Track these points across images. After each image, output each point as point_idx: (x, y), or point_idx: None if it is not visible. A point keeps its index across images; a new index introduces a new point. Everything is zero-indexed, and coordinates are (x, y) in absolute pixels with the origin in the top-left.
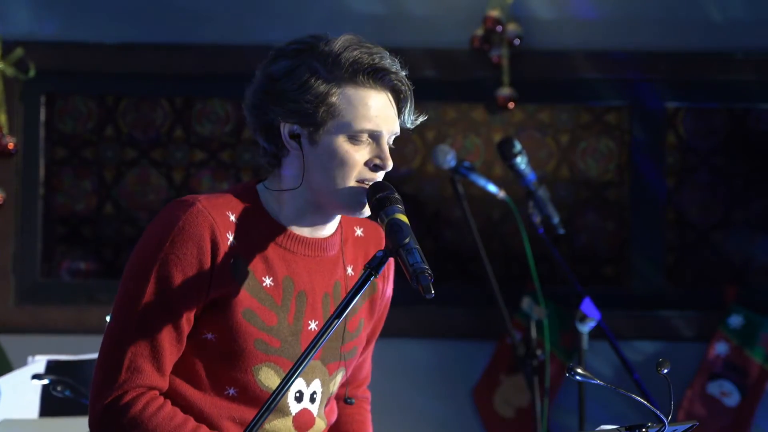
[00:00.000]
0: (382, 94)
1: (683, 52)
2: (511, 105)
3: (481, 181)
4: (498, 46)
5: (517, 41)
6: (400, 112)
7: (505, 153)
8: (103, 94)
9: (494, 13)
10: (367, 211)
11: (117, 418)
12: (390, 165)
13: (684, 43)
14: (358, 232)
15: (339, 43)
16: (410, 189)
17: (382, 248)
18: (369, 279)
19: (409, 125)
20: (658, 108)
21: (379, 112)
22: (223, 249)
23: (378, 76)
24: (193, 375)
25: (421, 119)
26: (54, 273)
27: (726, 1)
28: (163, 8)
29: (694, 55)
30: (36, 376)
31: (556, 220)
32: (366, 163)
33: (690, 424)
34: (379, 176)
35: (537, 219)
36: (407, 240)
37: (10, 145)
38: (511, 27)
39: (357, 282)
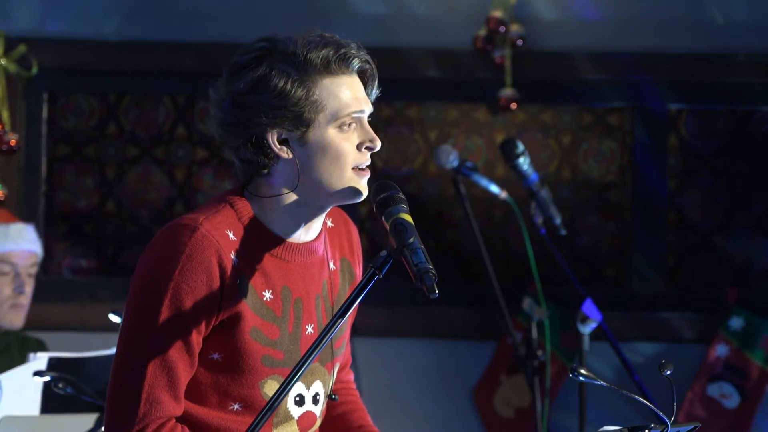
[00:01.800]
0: (353, 77)
1: (686, 53)
2: (513, 106)
3: (484, 182)
4: (501, 47)
5: (519, 42)
6: (367, 89)
7: (508, 153)
8: (106, 92)
9: (497, 13)
10: (365, 193)
11: None
12: (379, 143)
13: (686, 44)
14: (329, 223)
15: (300, 41)
16: (412, 189)
17: (351, 232)
18: (374, 278)
19: (372, 99)
20: (661, 109)
21: (357, 93)
22: (228, 270)
23: (348, 62)
24: (199, 394)
25: (378, 93)
26: (55, 270)
27: (728, 3)
28: (166, 6)
29: (697, 56)
30: (37, 373)
31: (558, 221)
32: (357, 148)
33: (692, 426)
34: (369, 159)
35: (539, 220)
36: (412, 239)
37: (13, 142)
38: (514, 28)
39: (361, 282)
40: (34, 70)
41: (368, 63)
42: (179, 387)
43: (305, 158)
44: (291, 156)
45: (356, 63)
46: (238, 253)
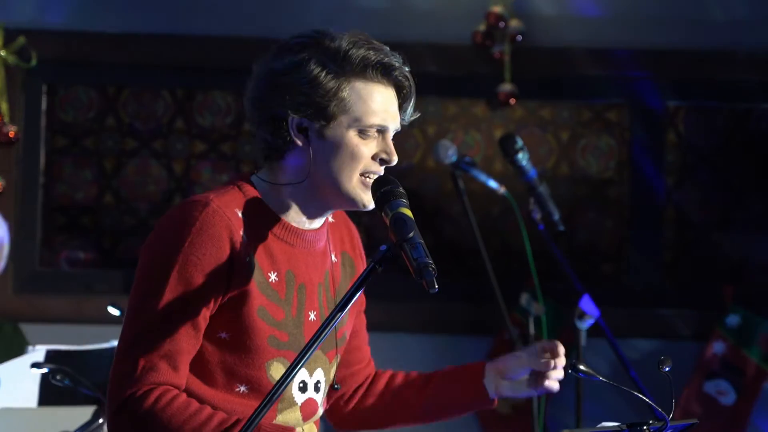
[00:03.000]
0: (389, 89)
1: (685, 50)
2: (512, 101)
3: (482, 177)
4: (500, 42)
5: (519, 37)
6: (401, 107)
7: (507, 149)
8: (105, 84)
9: (497, 9)
10: (371, 205)
11: (132, 413)
12: (395, 159)
13: (685, 41)
14: (330, 218)
15: (347, 38)
16: (411, 184)
17: (351, 230)
18: (373, 272)
19: (406, 121)
20: (659, 106)
21: (387, 106)
22: (238, 248)
23: (386, 72)
24: (206, 373)
25: (416, 116)
26: (53, 262)
27: (728, 0)
28: None
29: (696, 53)
30: (35, 365)
31: (556, 216)
32: (373, 157)
33: (690, 423)
34: (382, 170)
35: (537, 215)
36: (411, 234)
37: (11, 134)
38: (514, 23)
39: (361, 275)
40: (33, 62)
41: (406, 80)
42: (179, 357)
43: (320, 151)
44: (306, 145)
45: (395, 75)
46: (247, 233)
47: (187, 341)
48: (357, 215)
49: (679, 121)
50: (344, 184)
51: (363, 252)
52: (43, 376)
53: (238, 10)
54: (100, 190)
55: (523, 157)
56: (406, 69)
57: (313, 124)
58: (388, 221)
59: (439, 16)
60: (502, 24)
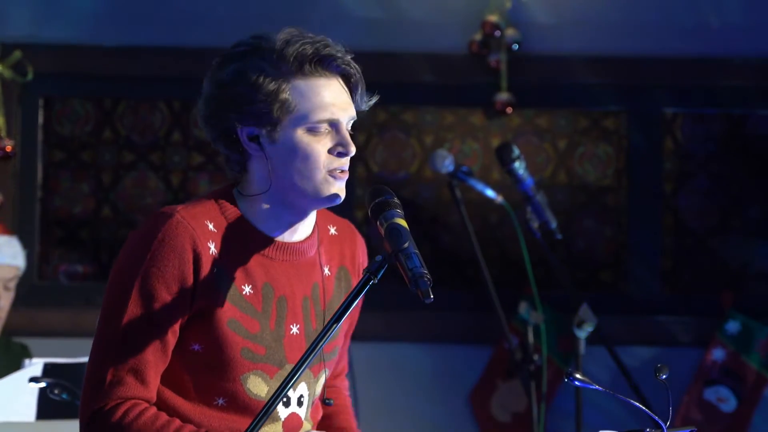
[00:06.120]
0: (332, 80)
1: (681, 57)
2: (509, 110)
3: (479, 186)
4: (496, 51)
5: (515, 46)
6: (353, 95)
7: (504, 158)
8: (101, 97)
9: (493, 17)
10: (340, 199)
11: (100, 426)
12: (353, 150)
13: (682, 48)
14: (332, 230)
15: (280, 38)
16: (408, 193)
17: (356, 244)
18: (369, 283)
19: (363, 108)
20: (656, 113)
21: (333, 99)
22: (204, 259)
23: (325, 64)
24: (182, 386)
25: (373, 100)
26: (51, 276)
27: (724, 6)
28: (162, 11)
29: (692, 60)
30: (33, 379)
31: (553, 225)
32: (329, 152)
33: (688, 430)
34: (345, 162)
35: (535, 224)
36: (406, 244)
37: (8, 148)
38: (510, 32)
39: (356, 286)
40: (30, 75)
41: (350, 67)
42: (146, 371)
43: (275, 157)
44: (261, 153)
45: (335, 65)
46: (217, 245)
47: (154, 354)
48: (355, 226)
49: (676, 128)
50: (306, 184)
51: (364, 267)
52: (42, 389)
53: (234, 21)
54: (98, 203)
55: (519, 166)
56: (347, 56)
57: (262, 131)
58: (383, 232)
59: (434, 26)
60: (498, 33)
